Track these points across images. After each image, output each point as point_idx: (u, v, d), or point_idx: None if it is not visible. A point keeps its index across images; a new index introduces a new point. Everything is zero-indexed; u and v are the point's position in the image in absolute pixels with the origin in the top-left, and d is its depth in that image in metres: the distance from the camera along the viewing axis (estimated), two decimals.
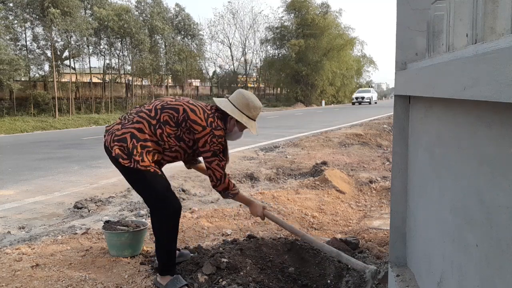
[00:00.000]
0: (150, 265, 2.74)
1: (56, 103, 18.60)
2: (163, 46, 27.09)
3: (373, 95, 39.95)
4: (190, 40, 29.71)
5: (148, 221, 3.21)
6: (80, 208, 4.34)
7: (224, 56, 58.18)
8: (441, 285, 1.49)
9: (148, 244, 3.13)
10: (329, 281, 2.60)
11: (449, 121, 1.43)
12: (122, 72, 24.61)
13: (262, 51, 40.54)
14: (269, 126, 14.23)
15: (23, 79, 20.10)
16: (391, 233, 2.18)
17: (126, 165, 2.25)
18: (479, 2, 1.10)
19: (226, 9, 54.78)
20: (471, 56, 1.02)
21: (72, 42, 20.64)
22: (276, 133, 11.69)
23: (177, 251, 2.82)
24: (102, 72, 23.68)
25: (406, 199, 2.12)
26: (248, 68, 39.70)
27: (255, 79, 41.69)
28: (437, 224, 1.54)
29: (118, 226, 2.97)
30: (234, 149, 8.01)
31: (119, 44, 23.14)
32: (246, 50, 39.65)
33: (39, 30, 19.62)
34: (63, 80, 21.15)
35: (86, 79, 23.45)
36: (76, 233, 3.48)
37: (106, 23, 20.49)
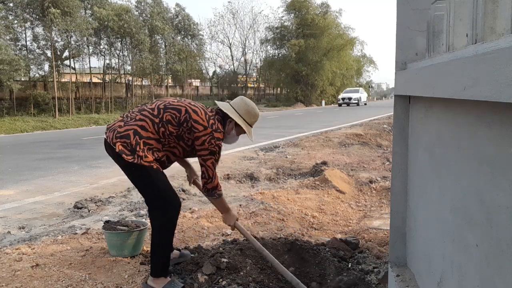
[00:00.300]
0: (150, 265, 2.74)
1: (56, 103, 18.60)
2: (163, 46, 27.10)
3: (362, 95, 36.33)
4: (190, 40, 29.72)
5: (148, 221, 3.21)
6: (80, 208, 4.34)
7: (224, 56, 58.28)
8: (441, 285, 1.49)
9: (148, 244, 3.13)
10: (329, 281, 2.60)
11: (449, 121, 1.43)
12: (122, 72, 24.62)
13: (262, 51, 40.61)
14: (269, 126, 14.23)
15: (23, 79, 20.11)
16: (391, 233, 2.18)
17: (130, 160, 2.26)
18: (479, 2, 1.10)
19: (226, 9, 54.91)
20: (471, 56, 1.02)
21: (72, 42, 20.65)
22: (276, 133, 11.70)
23: (177, 251, 2.82)
24: (102, 72, 23.68)
25: (406, 199, 2.12)
26: (248, 68, 39.72)
27: (255, 79, 41.71)
28: (437, 224, 1.54)
29: (118, 226, 2.97)
30: (234, 149, 8.02)
31: (119, 44, 23.14)
32: (246, 50, 39.72)
33: (39, 30, 19.66)
34: (63, 80, 21.16)
35: (86, 79, 23.46)
36: (76, 233, 3.48)
37: (106, 23, 20.48)
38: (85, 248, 3.07)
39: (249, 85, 40.01)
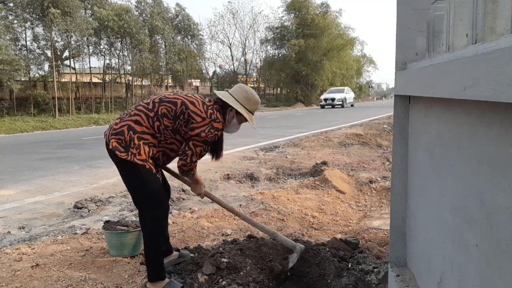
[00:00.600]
0: (146, 270, 2.73)
1: (56, 103, 18.61)
2: (163, 46, 27.11)
3: (348, 95, 32.35)
4: (190, 40, 29.72)
5: None
6: (80, 208, 4.34)
7: (224, 56, 58.30)
8: (441, 285, 1.49)
9: None
10: (329, 281, 2.60)
11: (449, 121, 1.43)
12: (122, 72, 24.62)
13: (262, 51, 40.60)
14: (269, 126, 14.23)
15: (23, 79, 20.10)
16: (391, 233, 2.18)
17: (123, 157, 2.24)
18: (479, 2, 1.10)
19: (226, 9, 54.88)
20: (471, 56, 1.02)
21: (72, 42, 20.66)
22: (276, 133, 11.69)
23: (177, 252, 2.82)
24: (102, 72, 23.69)
25: (406, 199, 2.12)
26: (248, 68, 39.72)
27: (255, 79, 41.70)
28: (437, 224, 1.54)
29: (118, 226, 2.97)
30: (234, 149, 8.01)
31: (119, 44, 23.14)
32: (246, 50, 39.69)
33: (39, 30, 19.67)
34: (63, 80, 21.17)
35: (86, 79, 23.46)
36: (76, 233, 3.48)
37: (106, 23, 20.49)
38: (85, 248, 3.07)
39: (249, 85, 39.97)
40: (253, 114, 2.59)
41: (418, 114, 1.90)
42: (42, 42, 19.61)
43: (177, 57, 26.61)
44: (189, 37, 29.47)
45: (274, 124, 15.15)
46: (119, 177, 2.47)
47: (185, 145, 2.38)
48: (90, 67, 23.26)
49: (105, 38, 22.37)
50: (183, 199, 4.71)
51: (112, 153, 2.31)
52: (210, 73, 38.23)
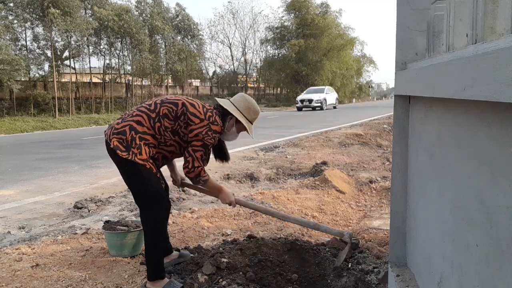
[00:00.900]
0: (146, 269, 2.73)
1: (56, 103, 18.61)
2: (163, 46, 27.10)
3: (328, 96, 27.92)
4: (190, 40, 29.71)
5: None
6: (80, 208, 4.34)
7: (224, 56, 58.31)
8: (441, 285, 1.49)
9: None
10: (329, 281, 2.60)
11: (449, 121, 1.43)
12: (122, 72, 24.62)
13: (262, 51, 40.59)
14: (269, 126, 14.23)
15: (23, 79, 20.10)
16: (391, 233, 2.18)
17: (124, 157, 2.25)
18: (479, 2, 1.10)
19: (226, 9, 54.86)
20: (471, 56, 1.02)
21: (72, 42, 20.66)
22: (276, 133, 11.69)
23: (177, 252, 2.82)
24: (102, 72, 23.69)
25: (406, 199, 2.12)
26: (248, 68, 39.71)
27: (255, 79, 41.70)
28: (437, 224, 1.54)
29: (118, 226, 2.97)
30: (234, 149, 8.01)
31: (119, 44, 23.15)
32: (246, 50, 39.68)
33: (39, 30, 19.67)
34: (63, 80, 21.17)
35: (86, 79, 23.46)
36: (76, 233, 3.48)
37: (106, 23, 20.49)
38: (85, 248, 3.07)
39: (249, 85, 39.99)
40: (252, 124, 2.61)
41: (418, 114, 1.90)
42: (42, 42, 19.62)
43: (177, 57, 26.61)
44: (189, 37, 29.46)
45: (274, 124, 15.15)
46: (119, 177, 2.47)
47: (185, 152, 2.36)
48: (90, 67, 23.27)
49: (105, 38, 22.37)
50: (183, 199, 4.71)
51: (113, 152, 2.31)
52: (210, 73, 38.26)
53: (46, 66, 20.26)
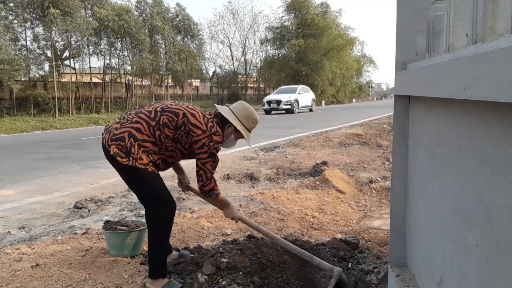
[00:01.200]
0: (148, 267, 2.74)
1: (56, 103, 18.61)
2: (163, 46, 27.09)
3: (302, 97, 23.34)
4: (190, 40, 29.71)
5: None
6: (80, 208, 4.34)
7: (224, 56, 58.17)
8: (441, 285, 1.49)
9: None
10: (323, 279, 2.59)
11: (449, 121, 1.43)
12: (122, 72, 24.62)
13: (262, 51, 40.56)
14: (269, 126, 14.23)
15: (23, 79, 20.11)
16: (391, 233, 2.18)
17: (125, 163, 2.24)
18: (479, 2, 1.10)
19: (226, 9, 54.74)
20: (471, 56, 1.02)
21: (72, 42, 20.67)
22: (276, 133, 11.69)
23: (177, 252, 2.82)
24: (102, 72, 23.69)
25: (406, 199, 2.12)
26: (248, 68, 39.70)
27: (255, 79, 41.69)
28: (437, 224, 1.54)
29: (118, 226, 2.97)
30: (234, 149, 8.01)
31: (119, 44, 23.15)
32: (246, 50, 39.65)
33: (39, 30, 19.67)
34: (63, 80, 21.17)
35: (86, 79, 23.46)
36: (76, 233, 3.48)
37: (106, 23, 20.50)
38: (85, 248, 3.07)
39: (249, 85, 40.00)
40: (250, 132, 2.62)
41: (418, 114, 1.90)
42: (42, 42, 19.62)
43: (177, 57, 26.61)
44: (189, 37, 29.46)
45: (274, 124, 15.15)
46: (119, 177, 2.46)
47: (196, 167, 2.40)
48: (90, 67, 23.27)
49: (105, 38, 22.37)
50: (183, 199, 4.72)
51: (112, 159, 2.30)
52: (210, 73, 38.23)
53: (46, 66, 20.29)
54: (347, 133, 10.64)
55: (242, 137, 2.59)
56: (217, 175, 5.77)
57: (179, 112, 2.37)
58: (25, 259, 2.85)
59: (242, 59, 39.44)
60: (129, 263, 2.81)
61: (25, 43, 19.68)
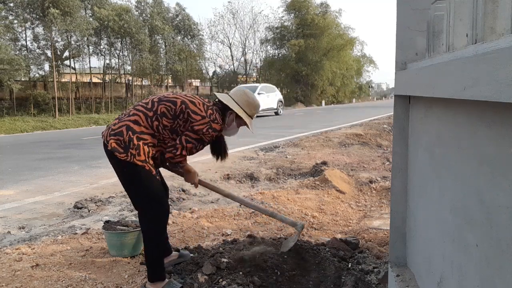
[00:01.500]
0: (146, 270, 2.73)
1: (56, 103, 18.60)
2: (163, 46, 27.10)
3: (263, 98, 18.52)
4: (190, 40, 29.72)
5: None
6: (80, 208, 4.34)
7: (224, 56, 58.18)
8: (441, 285, 1.49)
9: None
10: (329, 281, 2.59)
11: (449, 121, 1.43)
12: (122, 72, 24.62)
13: (262, 51, 40.54)
14: (269, 126, 14.23)
15: (23, 79, 20.12)
16: (391, 233, 2.18)
17: (123, 158, 2.23)
18: (479, 2, 1.10)
19: (226, 9, 54.70)
20: (471, 56, 1.02)
21: (72, 42, 20.68)
22: (276, 133, 11.69)
23: (177, 252, 2.82)
24: (102, 72, 23.69)
25: (406, 199, 2.12)
26: (248, 68, 39.69)
27: (255, 79, 41.66)
28: (437, 224, 1.54)
29: (118, 226, 2.98)
30: (234, 149, 8.02)
31: (119, 44, 23.15)
32: (246, 50, 39.62)
33: (39, 30, 19.68)
34: (63, 80, 21.17)
35: (86, 79, 23.47)
36: (76, 233, 3.48)
37: (106, 23, 20.50)
38: (85, 248, 3.07)
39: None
40: (252, 119, 2.59)
41: (418, 114, 1.90)
42: (42, 42, 19.63)
43: (177, 57, 26.62)
44: (189, 37, 29.47)
45: (274, 124, 15.15)
46: None
47: (177, 139, 2.34)
48: (90, 67, 23.27)
49: (105, 38, 22.38)
50: (183, 199, 4.72)
51: (110, 154, 2.29)
52: (210, 73, 38.24)
53: (46, 66, 20.30)
54: (347, 133, 10.64)
55: (244, 124, 2.55)
56: (217, 175, 5.77)
57: (177, 101, 2.35)
58: (25, 259, 2.85)
59: (242, 59, 39.46)
60: (129, 263, 2.81)
61: (25, 43, 19.70)
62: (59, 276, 2.58)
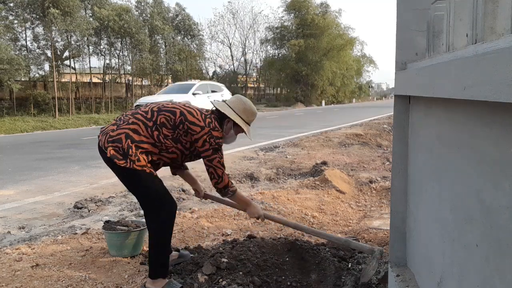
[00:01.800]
0: (148, 267, 2.74)
1: (56, 103, 18.60)
2: (163, 46, 27.11)
3: (199, 99, 13.28)
4: (190, 40, 29.73)
5: None
6: (80, 208, 4.34)
7: (224, 56, 58.35)
8: (441, 285, 1.49)
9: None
10: (329, 281, 2.59)
11: (449, 121, 1.43)
12: (122, 72, 24.62)
13: (262, 51, 40.60)
14: (269, 126, 14.23)
15: (23, 79, 20.11)
16: (391, 233, 2.18)
17: (122, 165, 2.22)
18: (479, 2, 1.10)
19: (226, 9, 54.78)
20: (471, 56, 1.02)
21: (72, 42, 20.67)
22: (276, 133, 11.69)
23: (177, 252, 2.82)
24: (102, 72, 23.69)
25: (406, 199, 2.12)
26: (248, 68, 39.72)
27: (255, 79, 41.70)
28: (437, 224, 1.54)
29: (118, 226, 2.98)
30: (234, 149, 8.01)
31: (119, 44, 23.15)
32: (246, 50, 39.68)
33: (39, 30, 19.68)
34: (63, 80, 21.16)
35: (86, 79, 23.47)
36: (76, 233, 3.48)
37: (106, 23, 20.50)
38: (85, 248, 3.07)
39: (249, 85, 40.00)
40: (249, 126, 2.60)
41: (418, 114, 1.90)
42: (42, 42, 19.63)
43: (177, 57, 26.62)
44: (189, 37, 29.48)
45: (274, 124, 15.15)
46: None
47: (205, 166, 2.39)
48: (90, 67, 23.27)
49: (105, 38, 22.38)
50: (183, 199, 4.72)
51: (110, 161, 2.28)
52: (210, 73, 38.23)
53: (46, 66, 20.30)
54: (347, 133, 10.65)
55: (242, 131, 2.57)
56: None
57: (176, 111, 2.36)
58: (25, 259, 2.85)
59: (242, 59, 39.48)
60: (129, 263, 2.81)
61: (25, 43, 19.69)
62: (59, 276, 2.58)
